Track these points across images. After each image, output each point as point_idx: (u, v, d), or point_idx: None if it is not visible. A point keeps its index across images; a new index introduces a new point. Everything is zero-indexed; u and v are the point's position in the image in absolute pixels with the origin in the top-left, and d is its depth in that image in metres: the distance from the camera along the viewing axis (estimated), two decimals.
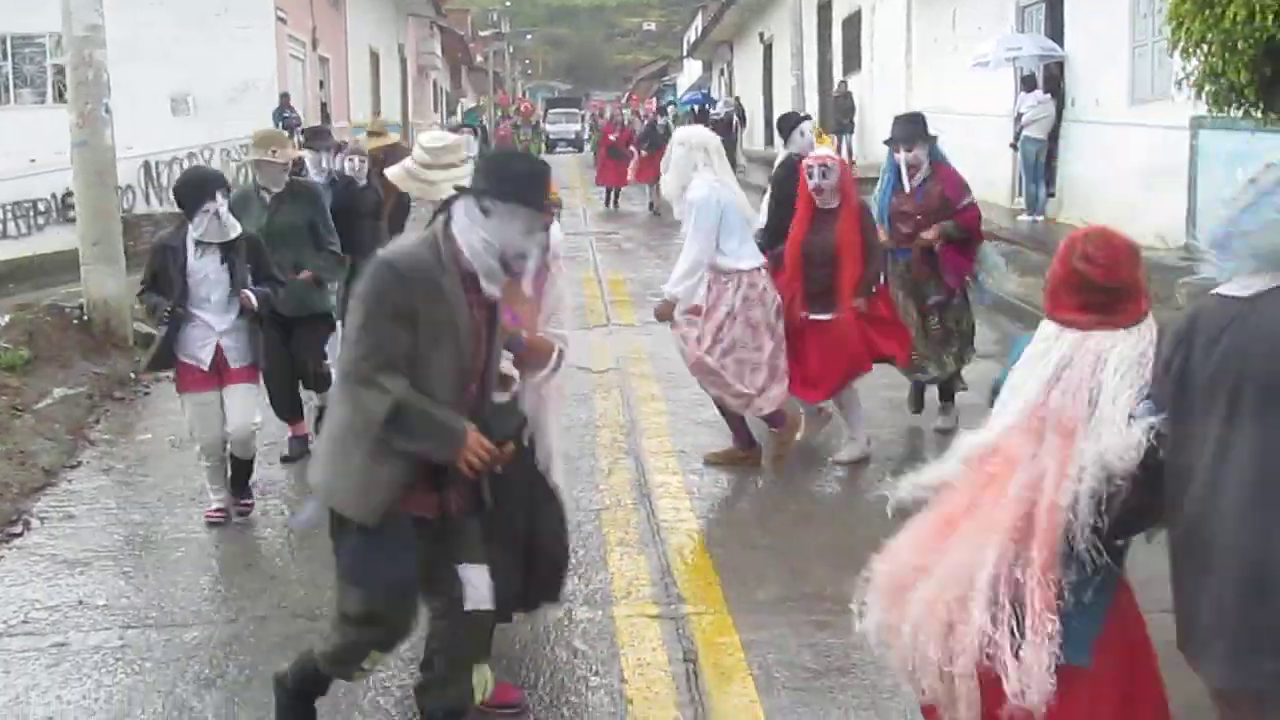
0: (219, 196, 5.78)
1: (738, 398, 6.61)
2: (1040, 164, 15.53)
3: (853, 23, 26.22)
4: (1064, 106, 15.55)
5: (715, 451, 6.94)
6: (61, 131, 22.39)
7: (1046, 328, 2.87)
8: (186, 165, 23.74)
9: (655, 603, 5.01)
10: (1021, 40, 15.90)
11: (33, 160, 22.64)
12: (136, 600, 5.24)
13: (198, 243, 5.82)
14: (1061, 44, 15.73)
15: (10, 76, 23.81)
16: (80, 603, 5.22)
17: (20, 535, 6.06)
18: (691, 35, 56.07)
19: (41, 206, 23.54)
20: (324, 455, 3.62)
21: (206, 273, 5.85)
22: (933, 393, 7.58)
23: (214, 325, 5.88)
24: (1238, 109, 7.16)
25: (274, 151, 6.90)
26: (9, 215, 23.43)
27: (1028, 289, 12.21)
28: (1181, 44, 7.17)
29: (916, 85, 21.95)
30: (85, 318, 9.59)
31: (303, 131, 14.34)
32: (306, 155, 8.65)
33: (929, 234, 6.95)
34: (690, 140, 6.68)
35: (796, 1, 23.77)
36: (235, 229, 5.90)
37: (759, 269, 6.64)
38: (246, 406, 6.04)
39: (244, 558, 5.79)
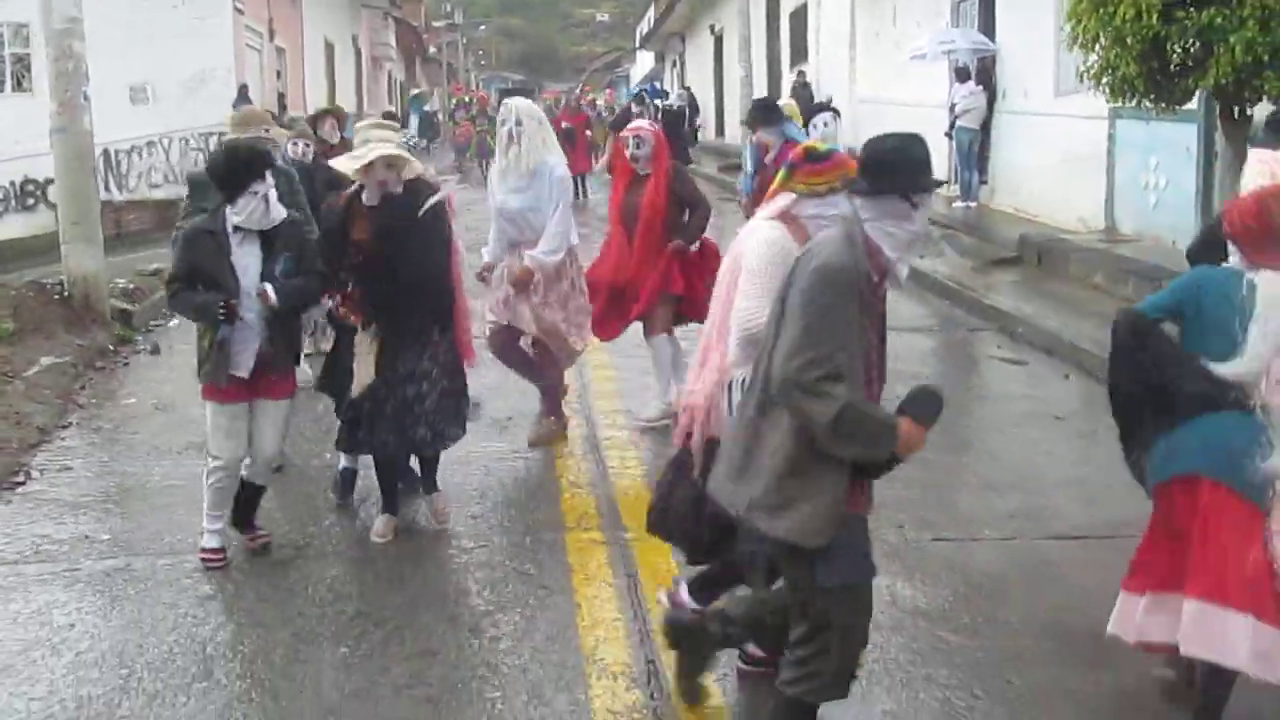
0: (268, 176, 5.16)
1: (570, 355, 7.10)
2: (973, 152, 16.30)
3: (800, 15, 26.96)
4: (995, 98, 16.33)
5: (538, 432, 7.10)
6: (20, 120, 22.70)
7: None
8: (146, 154, 24.15)
9: (601, 531, 5.69)
10: (954, 35, 16.65)
11: None
12: (138, 534, 5.83)
13: (237, 229, 5.17)
14: (993, 38, 16.51)
15: None
16: (86, 537, 5.82)
17: (23, 484, 6.63)
18: (644, 27, 56.58)
19: (0, 194, 23.83)
20: (783, 498, 3.39)
21: (247, 264, 5.18)
22: None
23: (255, 326, 5.18)
24: (1130, 99, 7.91)
25: (266, 130, 6.62)
26: None
27: (955, 269, 13.00)
28: (1080, 40, 7.92)
29: (860, 77, 22.72)
30: (66, 293, 10.10)
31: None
32: None
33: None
34: (536, 114, 6.81)
35: None
36: (281, 213, 5.28)
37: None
38: (278, 428, 5.44)
39: None
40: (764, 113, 7.86)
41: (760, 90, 26.82)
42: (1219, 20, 6.97)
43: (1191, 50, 7.24)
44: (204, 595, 5.10)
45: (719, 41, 36.32)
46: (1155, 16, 7.19)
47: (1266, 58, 6.85)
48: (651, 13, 52.20)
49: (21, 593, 5.18)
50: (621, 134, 7.38)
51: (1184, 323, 3.88)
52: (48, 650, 4.63)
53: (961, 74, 16.37)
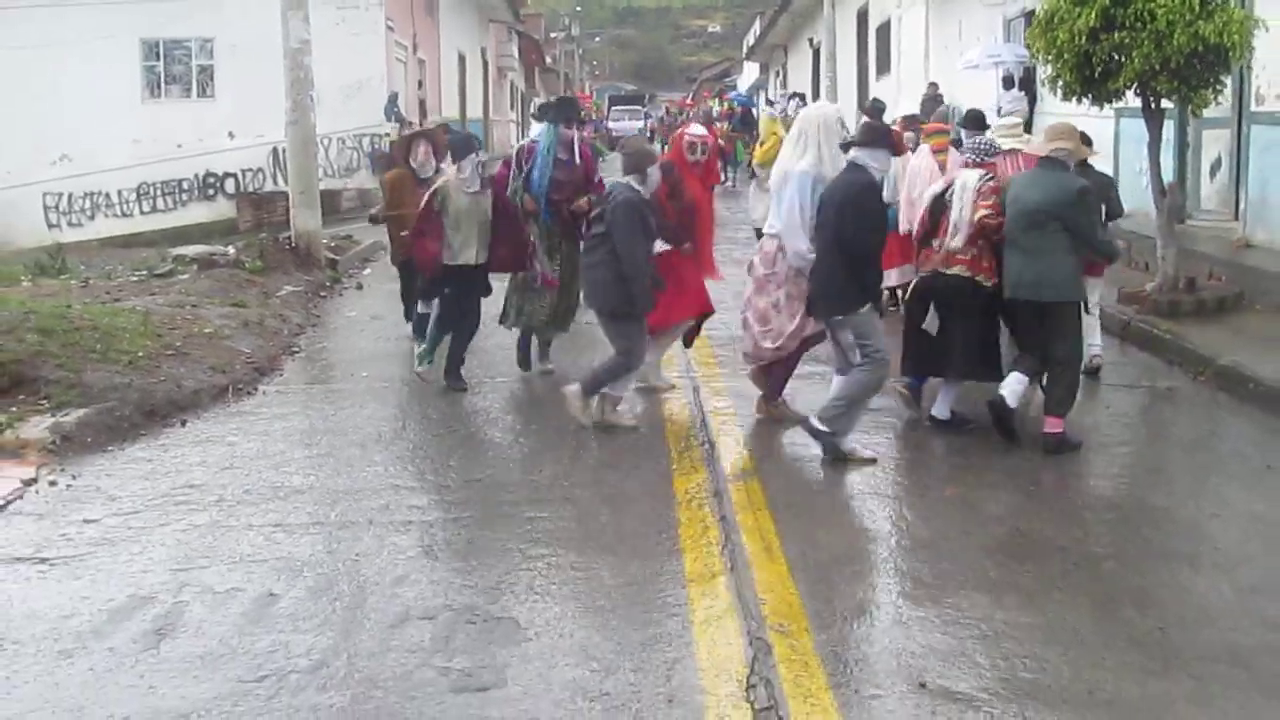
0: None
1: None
2: None
3: (884, 30, 29.78)
4: (1035, 102, 19.06)
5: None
6: (203, 122, 26.26)
7: None
8: None
9: (692, 427, 8.77)
10: (1000, 49, 19.44)
11: (179, 146, 26.93)
12: (385, 373, 9.12)
13: None
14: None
15: (162, 75, 27.94)
16: (351, 374, 9.19)
17: (297, 352, 10.05)
18: (750, 39, 59.50)
19: (185, 185, 27.69)
20: None
21: None
22: None
23: None
24: (1074, 99, 10.73)
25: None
26: (159, 192, 27.70)
27: None
28: (1037, 57, 10.80)
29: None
30: (294, 244, 13.58)
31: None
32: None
33: (580, 202, 8.49)
34: None
35: (831, 11, 27.35)
36: None
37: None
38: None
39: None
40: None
41: (848, 99, 29.70)
42: (1126, 40, 9.81)
43: (1109, 62, 10.09)
44: (434, 396, 8.32)
45: (816, 54, 39.11)
46: (1084, 38, 10.04)
47: (1158, 67, 9.70)
48: (758, 25, 54.98)
49: (323, 397, 8.56)
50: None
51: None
52: (354, 411, 7.97)
53: (1008, 81, 19.13)
